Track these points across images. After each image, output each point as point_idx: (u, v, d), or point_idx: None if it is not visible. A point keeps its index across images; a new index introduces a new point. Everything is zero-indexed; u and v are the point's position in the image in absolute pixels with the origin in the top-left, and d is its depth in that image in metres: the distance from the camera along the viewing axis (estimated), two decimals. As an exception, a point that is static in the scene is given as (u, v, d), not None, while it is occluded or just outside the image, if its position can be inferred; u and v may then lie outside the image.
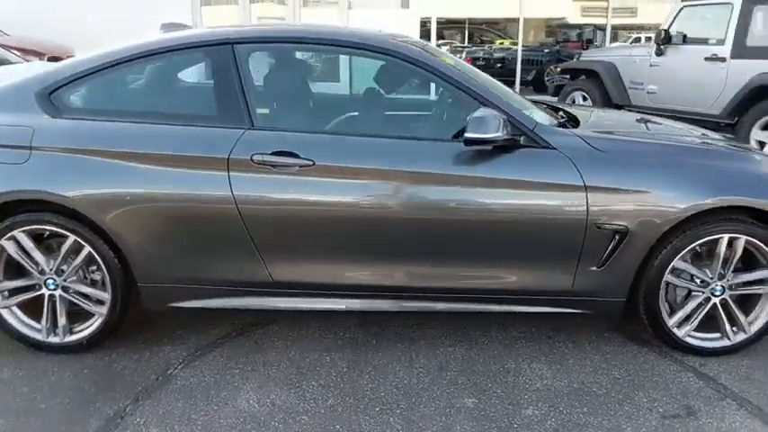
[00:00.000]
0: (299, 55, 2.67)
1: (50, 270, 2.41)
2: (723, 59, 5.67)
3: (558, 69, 7.93)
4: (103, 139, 2.33)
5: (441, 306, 2.49)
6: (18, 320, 2.48)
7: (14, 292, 2.46)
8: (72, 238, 2.35)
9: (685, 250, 2.36)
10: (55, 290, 2.44)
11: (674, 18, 6.24)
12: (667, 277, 2.40)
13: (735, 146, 2.83)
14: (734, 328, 2.48)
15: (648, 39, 13.51)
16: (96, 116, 2.38)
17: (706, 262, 2.43)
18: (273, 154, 2.27)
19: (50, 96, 2.40)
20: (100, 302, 2.46)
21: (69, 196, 2.29)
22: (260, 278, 2.41)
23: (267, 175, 2.28)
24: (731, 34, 5.61)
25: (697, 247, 2.38)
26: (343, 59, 2.63)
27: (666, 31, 6.20)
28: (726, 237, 2.34)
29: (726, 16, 5.69)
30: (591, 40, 11.90)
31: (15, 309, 2.48)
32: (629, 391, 2.28)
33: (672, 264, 2.37)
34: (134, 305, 2.50)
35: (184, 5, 9.73)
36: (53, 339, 2.48)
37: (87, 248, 2.36)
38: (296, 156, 2.27)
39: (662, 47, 6.21)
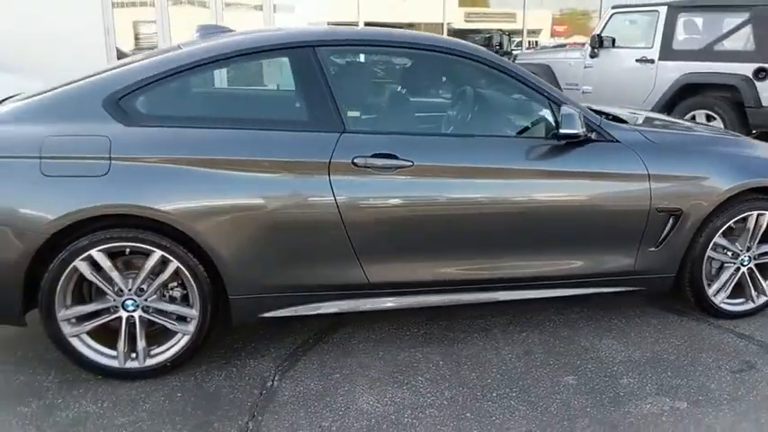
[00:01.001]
0: (379, 57, 2.68)
1: (129, 290, 2.25)
2: (652, 61, 6.36)
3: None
4: (191, 146, 2.21)
5: (517, 294, 2.64)
6: (88, 347, 2.28)
7: (86, 317, 2.26)
8: (158, 253, 2.20)
9: (724, 227, 2.70)
10: (134, 311, 2.27)
11: (606, 24, 6.88)
12: (709, 252, 2.73)
13: (737, 135, 3.26)
14: (756, 293, 2.87)
15: (533, 43, 14.59)
16: (174, 123, 2.25)
17: (736, 237, 2.79)
18: (374, 156, 2.29)
19: (119, 103, 2.23)
20: (183, 320, 2.33)
21: (161, 209, 2.15)
22: (355, 280, 2.41)
23: (368, 177, 2.29)
24: (659, 39, 6.31)
25: (732, 224, 2.73)
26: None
27: (600, 36, 6.81)
28: (755, 213, 2.72)
29: (653, 22, 6.39)
30: (501, 44, 12.62)
31: (85, 335, 2.28)
32: (694, 355, 2.57)
33: (713, 240, 2.70)
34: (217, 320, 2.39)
35: (94, 6, 9.06)
36: (132, 365, 2.30)
37: (174, 264, 2.22)
38: (395, 157, 2.31)
39: (596, 50, 6.81)
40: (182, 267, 2.23)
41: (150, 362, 2.32)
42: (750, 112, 5.74)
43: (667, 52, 6.27)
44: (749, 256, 2.81)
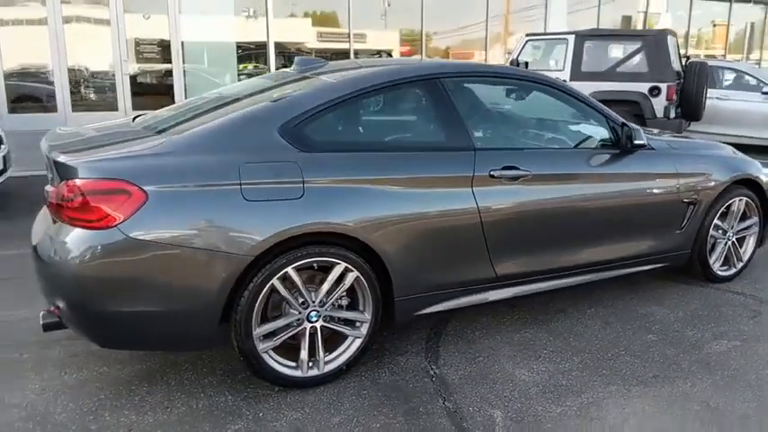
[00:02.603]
0: (486, 86, 3.11)
1: (313, 302, 2.45)
2: (564, 81, 7.46)
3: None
4: (361, 168, 2.49)
5: (589, 277, 3.22)
6: (275, 361, 2.43)
7: (274, 332, 2.41)
8: (342, 265, 2.44)
9: (720, 211, 3.54)
10: (316, 321, 2.47)
11: (522, 49, 7.89)
12: (711, 232, 3.55)
13: (717, 142, 4.17)
14: (736, 260, 3.76)
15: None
16: (341, 147, 2.52)
17: (724, 218, 3.65)
18: (503, 168, 2.74)
19: (293, 130, 2.44)
20: (352, 325, 2.57)
21: (346, 224, 2.40)
22: (486, 275, 2.82)
23: (501, 186, 2.74)
24: (569, 62, 7.43)
25: (724, 209, 3.59)
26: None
27: (516, 60, 7.80)
28: (736, 200, 3.60)
29: (563, 48, 7.50)
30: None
31: (271, 350, 2.43)
32: (715, 308, 3.36)
33: (714, 222, 3.53)
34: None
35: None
36: (312, 373, 2.49)
37: (354, 273, 2.47)
38: (518, 168, 2.78)
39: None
40: (360, 277, 2.49)
41: (327, 368, 2.53)
42: (648, 122, 7.03)
43: (577, 73, 7.42)
44: (733, 233, 3.69)
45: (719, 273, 3.70)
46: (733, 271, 3.76)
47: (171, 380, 2.55)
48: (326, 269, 2.45)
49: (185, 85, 10.47)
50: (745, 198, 3.64)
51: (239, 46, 11.28)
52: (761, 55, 18.28)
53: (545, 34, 8.05)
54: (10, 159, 5.42)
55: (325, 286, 2.45)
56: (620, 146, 3.12)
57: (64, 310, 2.23)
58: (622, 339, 2.98)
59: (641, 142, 3.04)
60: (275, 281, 2.33)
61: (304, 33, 12.01)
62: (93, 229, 2.15)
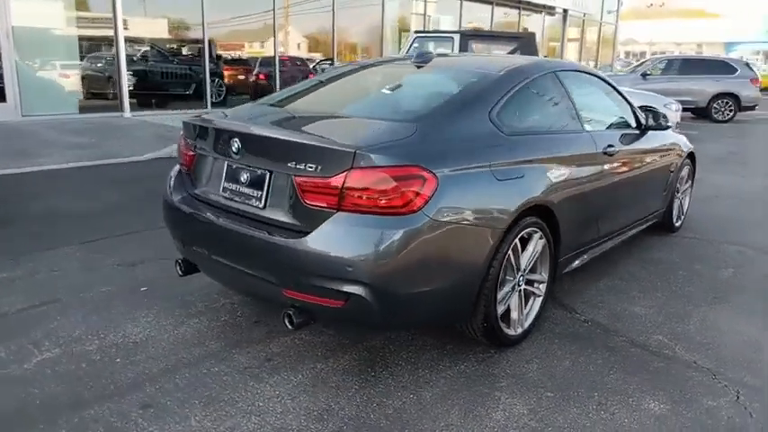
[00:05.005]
0: (580, 79, 3.59)
1: (521, 268, 2.76)
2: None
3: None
4: (543, 149, 2.88)
5: (627, 235, 4.01)
6: (501, 324, 2.68)
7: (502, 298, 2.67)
8: (539, 233, 2.80)
9: (680, 174, 4.67)
10: (522, 285, 2.79)
11: (411, 44, 8.55)
12: (677, 194, 4.67)
13: None
14: (682, 214, 4.96)
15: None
16: (521, 131, 2.84)
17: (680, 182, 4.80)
18: (608, 146, 3.35)
19: (496, 116, 2.70)
20: (534, 285, 2.93)
21: (546, 197, 2.78)
22: (594, 235, 3.42)
23: (610, 159, 3.35)
24: (459, 58, 8.32)
25: (683, 173, 4.73)
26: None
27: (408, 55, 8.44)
28: (686, 167, 4.79)
29: (450, 44, 8.36)
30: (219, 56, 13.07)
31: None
32: (690, 249, 4.46)
33: (677, 182, 4.65)
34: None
35: None
36: (519, 331, 2.80)
37: (543, 240, 2.85)
38: (613, 146, 3.41)
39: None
40: (546, 242, 2.86)
41: (526, 324, 2.86)
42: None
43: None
44: (681, 193, 4.87)
45: (676, 224, 4.85)
46: (681, 221, 4.96)
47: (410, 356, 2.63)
48: (525, 238, 2.77)
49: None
50: (689, 165, 4.84)
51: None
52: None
53: (433, 32, 8.85)
54: None
55: (528, 252, 2.77)
56: (643, 126, 3.95)
57: (359, 298, 2.19)
58: (650, 284, 3.84)
59: (666, 124, 3.93)
60: (510, 251, 2.60)
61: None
62: (399, 215, 2.17)
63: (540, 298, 2.95)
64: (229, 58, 14.17)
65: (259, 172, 2.46)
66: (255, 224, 2.43)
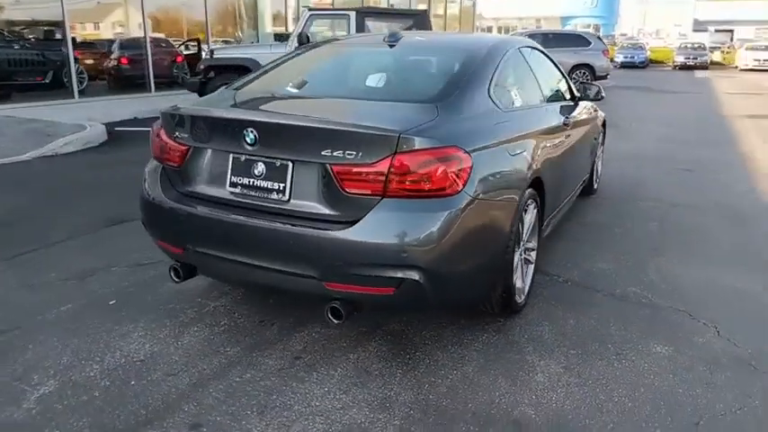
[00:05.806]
0: (535, 55, 3.71)
1: (523, 238, 2.90)
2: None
3: (202, 67, 8.49)
4: (533, 121, 3.08)
5: (567, 206, 4.37)
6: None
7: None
8: (534, 203, 2.96)
9: (599, 137, 5.15)
10: (523, 253, 2.94)
11: (305, 22, 8.33)
12: (597, 159, 5.15)
13: None
14: (597, 177, 5.49)
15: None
16: (510, 107, 2.97)
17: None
18: (566, 117, 3.61)
19: (491, 92, 2.79)
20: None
21: (539, 168, 2.94)
22: (557, 200, 3.68)
23: (566, 129, 3.60)
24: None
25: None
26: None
27: (306, 34, 8.22)
28: (601, 134, 5.28)
29: (346, 23, 8.29)
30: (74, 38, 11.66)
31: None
32: (613, 210, 4.95)
33: (597, 149, 5.13)
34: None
35: None
36: (523, 298, 2.95)
37: (536, 210, 3.02)
38: (568, 117, 3.68)
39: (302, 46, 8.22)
40: (537, 211, 3.04)
41: (524, 294, 3.01)
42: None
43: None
44: (597, 157, 5.36)
45: (594, 187, 5.35)
46: (597, 184, 5.46)
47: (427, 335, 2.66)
48: (524, 210, 2.91)
49: None
50: (602, 131, 5.34)
51: None
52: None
53: (327, 10, 8.68)
54: None
55: (527, 222, 2.92)
56: (576, 98, 4.29)
57: (413, 283, 2.17)
58: (607, 230, 4.26)
59: (599, 96, 4.29)
60: (518, 222, 2.72)
61: None
62: (444, 197, 2.18)
63: (532, 265, 3.13)
64: (81, 41, 12.77)
65: (278, 163, 2.32)
66: (281, 218, 2.29)
